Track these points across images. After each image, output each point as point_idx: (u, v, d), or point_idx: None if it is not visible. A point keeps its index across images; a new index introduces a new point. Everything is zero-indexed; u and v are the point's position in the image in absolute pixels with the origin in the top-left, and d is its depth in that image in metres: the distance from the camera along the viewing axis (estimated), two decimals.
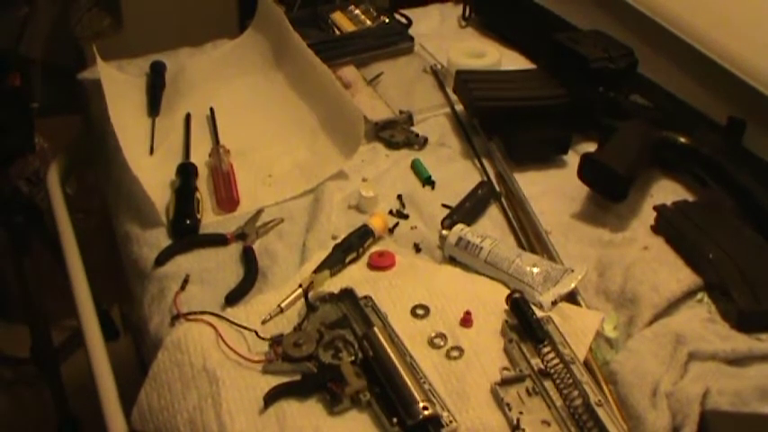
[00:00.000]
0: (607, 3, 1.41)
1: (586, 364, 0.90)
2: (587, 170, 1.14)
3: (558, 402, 0.85)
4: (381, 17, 1.54)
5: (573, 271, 1.00)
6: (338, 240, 1.05)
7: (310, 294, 0.95)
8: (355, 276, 1.01)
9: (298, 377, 0.88)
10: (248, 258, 1.04)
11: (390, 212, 1.13)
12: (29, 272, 1.59)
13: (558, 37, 1.30)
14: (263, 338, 0.91)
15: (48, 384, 1.72)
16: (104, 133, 1.25)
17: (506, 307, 0.95)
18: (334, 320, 0.93)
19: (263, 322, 0.95)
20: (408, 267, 1.03)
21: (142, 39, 1.57)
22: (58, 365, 1.72)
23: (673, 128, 1.19)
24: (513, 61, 1.47)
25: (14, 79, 1.49)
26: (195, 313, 0.95)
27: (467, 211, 1.11)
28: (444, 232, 1.05)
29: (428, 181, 1.19)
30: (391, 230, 1.09)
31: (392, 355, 0.87)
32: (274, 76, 1.40)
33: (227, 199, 1.13)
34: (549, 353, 0.89)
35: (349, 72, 1.40)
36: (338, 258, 1.02)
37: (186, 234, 1.08)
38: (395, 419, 0.82)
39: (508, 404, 0.84)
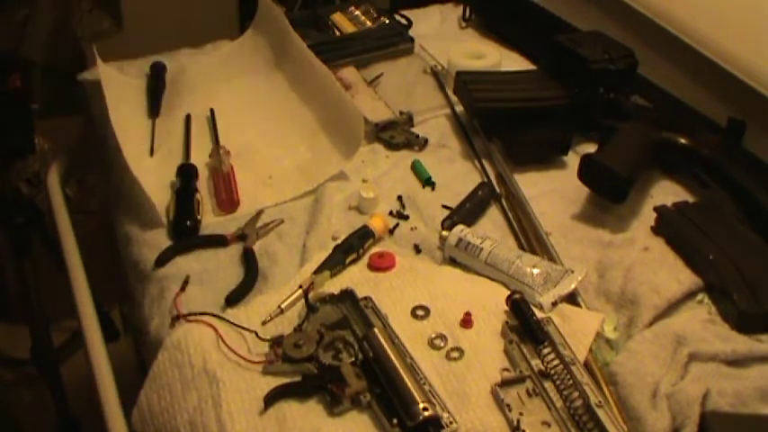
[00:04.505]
0: (607, 4, 1.41)
1: (586, 365, 0.90)
2: (587, 171, 1.14)
3: (559, 403, 0.85)
4: (381, 18, 1.54)
5: (573, 272, 1.00)
6: (338, 241, 1.05)
7: (310, 295, 0.95)
8: (355, 277, 1.01)
9: (298, 378, 0.88)
10: (248, 259, 1.04)
11: (390, 213, 1.13)
12: (29, 272, 1.59)
13: (558, 38, 1.30)
14: (264, 339, 0.91)
15: (48, 385, 1.72)
16: (104, 134, 1.25)
17: (506, 308, 0.95)
18: (335, 321, 0.93)
19: (264, 323, 0.95)
20: (408, 268, 1.03)
21: (142, 40, 1.57)
22: (58, 366, 1.72)
23: (673, 129, 1.19)
24: (513, 62, 1.47)
25: (15, 80, 1.49)
26: (195, 314, 0.95)
27: (467, 212, 1.11)
28: (444, 233, 1.05)
29: (428, 182, 1.19)
30: (391, 231, 1.09)
31: (392, 356, 0.87)
32: (274, 77, 1.40)
33: (227, 200, 1.13)
34: (549, 354, 0.89)
35: (349, 73, 1.40)
36: (338, 259, 1.02)
37: (186, 235, 1.08)
38: (395, 420, 0.82)
39: (508, 405, 0.84)
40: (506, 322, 0.94)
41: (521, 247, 1.08)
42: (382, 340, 0.89)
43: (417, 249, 1.07)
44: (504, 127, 1.26)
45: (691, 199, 1.15)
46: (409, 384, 0.84)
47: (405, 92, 1.38)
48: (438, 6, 1.68)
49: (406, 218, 1.12)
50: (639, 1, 1.35)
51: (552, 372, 0.88)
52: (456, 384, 0.87)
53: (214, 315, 0.95)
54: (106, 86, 1.25)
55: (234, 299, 0.98)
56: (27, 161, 1.66)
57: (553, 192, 1.17)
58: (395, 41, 1.48)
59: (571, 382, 0.86)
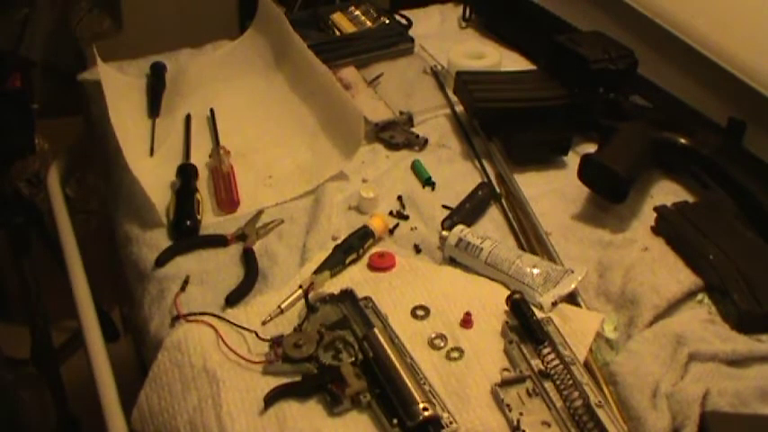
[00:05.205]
0: (607, 4, 1.41)
1: (586, 365, 0.90)
2: (587, 171, 1.14)
3: (559, 403, 0.85)
4: (381, 18, 1.54)
5: (573, 272, 1.00)
6: (338, 241, 1.05)
7: (310, 295, 0.96)
8: (355, 277, 1.01)
9: (298, 378, 0.88)
10: (248, 259, 1.04)
11: (390, 213, 1.13)
12: (29, 272, 1.59)
13: (558, 38, 1.30)
14: (264, 339, 0.91)
15: (48, 385, 1.72)
16: (105, 134, 1.25)
17: (506, 308, 0.95)
18: (335, 321, 0.93)
19: (264, 323, 0.95)
20: (408, 268, 1.03)
21: (142, 40, 1.57)
22: (58, 366, 1.72)
23: (673, 129, 1.19)
24: (513, 62, 1.47)
25: (15, 80, 1.49)
26: (195, 314, 0.95)
27: (467, 212, 1.11)
28: (444, 233, 1.05)
29: (428, 182, 1.19)
30: (391, 231, 1.09)
31: (392, 356, 0.87)
32: (274, 77, 1.40)
33: (227, 200, 1.13)
34: (549, 354, 0.89)
35: (349, 73, 1.40)
36: (338, 259, 1.02)
37: (186, 235, 1.08)
38: (395, 420, 0.82)
39: (508, 405, 0.84)
40: (506, 322, 0.94)
41: (521, 247, 1.08)
42: (382, 340, 0.89)
43: (417, 249, 1.07)
44: (504, 127, 1.26)
45: (691, 199, 1.15)
46: (409, 384, 0.84)
47: (405, 92, 1.38)
48: (438, 6, 1.68)
49: (406, 218, 1.12)
50: (639, 1, 1.35)
51: (552, 372, 0.88)
52: (456, 384, 0.87)
53: (214, 315, 0.95)
54: (106, 86, 1.26)
55: (234, 299, 0.98)
56: (27, 161, 1.66)
57: (553, 192, 1.17)
58: (395, 41, 1.48)
59: (571, 382, 0.86)
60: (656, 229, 1.09)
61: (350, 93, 1.33)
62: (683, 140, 1.18)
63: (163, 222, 1.10)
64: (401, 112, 1.31)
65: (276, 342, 0.90)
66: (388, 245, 1.08)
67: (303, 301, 0.96)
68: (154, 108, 1.32)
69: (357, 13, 1.56)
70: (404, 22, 1.55)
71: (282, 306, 0.96)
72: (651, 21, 1.32)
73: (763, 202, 1.08)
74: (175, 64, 1.41)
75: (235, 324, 0.94)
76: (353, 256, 1.03)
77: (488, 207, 1.15)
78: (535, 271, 0.99)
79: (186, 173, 1.17)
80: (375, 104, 1.33)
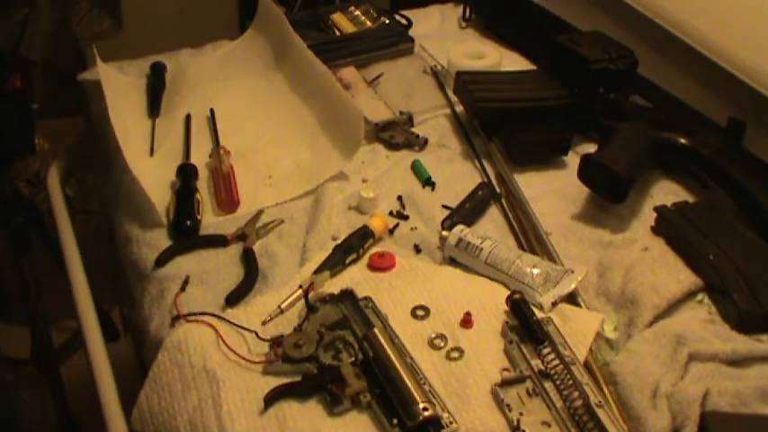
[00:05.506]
0: (607, 4, 1.41)
1: (586, 365, 0.90)
2: (587, 171, 1.14)
3: (559, 403, 0.85)
4: (381, 18, 1.54)
5: (573, 272, 1.00)
6: (338, 241, 1.05)
7: (310, 295, 0.96)
8: (355, 277, 1.01)
9: (298, 378, 0.88)
10: (248, 259, 1.04)
11: (390, 213, 1.13)
12: (29, 272, 1.59)
13: (558, 38, 1.30)
14: (264, 339, 0.91)
15: (48, 385, 1.72)
16: (104, 134, 1.25)
17: (506, 308, 0.95)
18: (335, 321, 0.93)
19: (264, 323, 0.95)
20: (408, 268, 1.03)
21: (142, 40, 1.57)
22: (58, 366, 1.72)
23: (673, 129, 1.19)
24: (513, 62, 1.47)
25: (15, 80, 1.49)
26: (195, 314, 0.95)
27: (467, 212, 1.11)
28: (444, 233, 1.05)
29: (428, 182, 1.19)
30: (391, 231, 1.09)
31: (392, 356, 0.87)
32: (274, 77, 1.40)
33: (227, 200, 1.13)
34: (549, 354, 0.89)
35: (349, 73, 1.40)
36: (338, 259, 1.02)
37: (186, 235, 1.08)
38: (395, 420, 0.82)
39: (508, 405, 0.84)
40: (506, 322, 0.94)
41: (521, 247, 1.08)
42: (382, 340, 0.89)
43: (417, 249, 1.07)
44: (504, 127, 1.26)
45: (691, 199, 1.15)
46: (409, 384, 0.84)
47: (405, 92, 1.38)
48: (438, 6, 1.68)
49: (406, 218, 1.12)
50: (639, 1, 1.35)
51: (552, 372, 0.88)
52: (456, 384, 0.87)
53: (214, 315, 0.95)
54: (106, 86, 1.26)
55: (234, 299, 0.98)
56: (27, 161, 1.66)
57: (553, 192, 1.17)
58: (395, 41, 1.48)
59: (571, 382, 0.86)
60: (656, 229, 1.09)
61: (350, 93, 1.33)
62: (683, 140, 1.18)
63: (163, 222, 1.10)
64: (401, 112, 1.31)
65: (276, 342, 0.90)
66: (388, 245, 1.08)
67: (303, 301, 0.96)
68: (154, 108, 1.32)
69: (357, 13, 1.56)
70: (404, 22, 1.55)
71: (282, 306, 0.96)
72: (651, 21, 1.32)
73: (763, 202, 1.08)
74: (175, 64, 1.41)
75: (235, 324, 0.94)
76: (353, 256, 1.03)
77: (488, 207, 1.15)
78: (535, 271, 0.99)
79: (186, 173, 1.17)
80: (375, 104, 1.33)
